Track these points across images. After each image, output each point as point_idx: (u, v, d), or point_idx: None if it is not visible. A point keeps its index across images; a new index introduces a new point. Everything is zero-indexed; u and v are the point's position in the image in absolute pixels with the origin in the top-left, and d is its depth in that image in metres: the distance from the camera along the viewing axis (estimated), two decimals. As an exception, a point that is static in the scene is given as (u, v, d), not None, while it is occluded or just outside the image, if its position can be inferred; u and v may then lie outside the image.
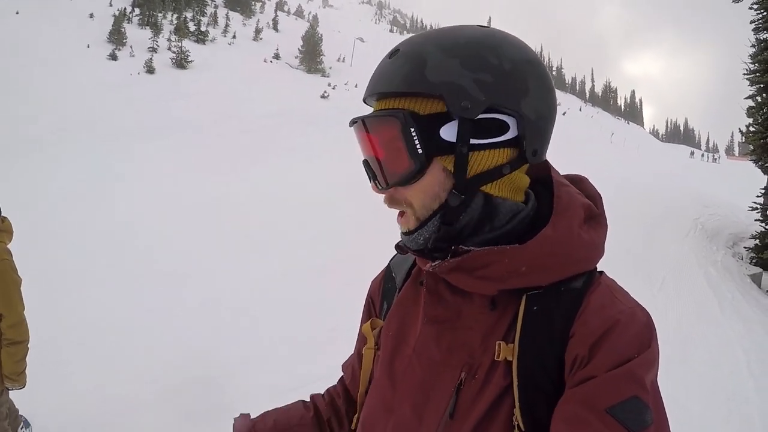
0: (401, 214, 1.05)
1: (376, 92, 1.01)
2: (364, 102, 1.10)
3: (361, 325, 1.35)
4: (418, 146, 0.95)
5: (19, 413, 4.07)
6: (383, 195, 1.06)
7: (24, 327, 3.51)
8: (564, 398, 0.90)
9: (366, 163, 1.06)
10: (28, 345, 3.56)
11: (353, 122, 1.05)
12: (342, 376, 1.46)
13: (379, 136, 1.00)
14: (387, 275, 1.32)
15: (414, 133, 0.95)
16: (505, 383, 0.95)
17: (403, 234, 1.05)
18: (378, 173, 1.03)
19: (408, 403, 1.06)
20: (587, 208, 1.05)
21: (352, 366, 1.38)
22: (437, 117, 0.95)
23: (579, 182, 1.14)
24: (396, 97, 0.98)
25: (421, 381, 1.05)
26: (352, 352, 1.43)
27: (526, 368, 0.93)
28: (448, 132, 0.95)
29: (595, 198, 1.10)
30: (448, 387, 1.01)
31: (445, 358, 1.03)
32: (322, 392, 1.47)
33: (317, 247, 9.65)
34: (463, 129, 0.95)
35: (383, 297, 1.30)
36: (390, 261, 1.35)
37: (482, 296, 1.02)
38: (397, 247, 1.12)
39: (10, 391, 3.68)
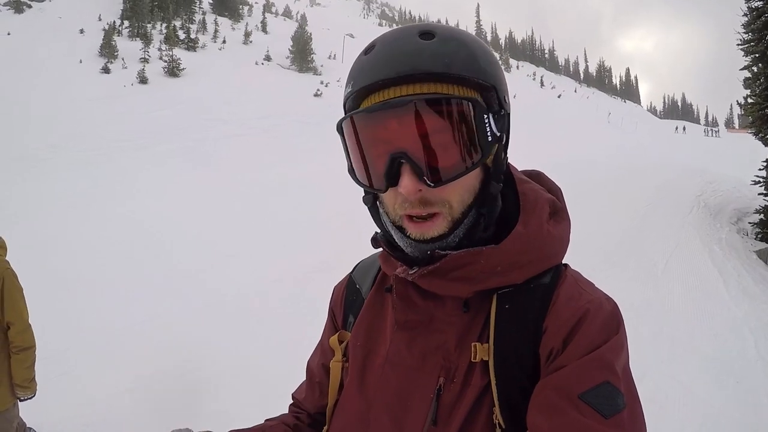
0: (426, 219, 0.96)
1: (422, 71, 0.91)
2: (366, 87, 0.96)
3: (322, 336, 1.34)
4: (489, 134, 0.94)
5: (27, 426, 4.14)
6: (408, 198, 0.94)
7: (30, 333, 3.65)
8: (538, 387, 0.91)
9: (402, 156, 0.91)
10: (35, 352, 3.69)
11: (398, 104, 0.90)
12: (294, 403, 1.41)
13: (443, 122, 0.90)
14: (350, 287, 1.30)
15: (487, 120, 0.94)
16: (483, 383, 0.96)
17: (426, 242, 0.97)
18: (428, 166, 0.91)
19: (385, 414, 1.03)
20: (551, 203, 1.08)
21: (317, 384, 1.31)
22: (485, 108, 0.95)
23: (537, 177, 1.17)
24: (441, 82, 0.93)
25: (397, 389, 1.03)
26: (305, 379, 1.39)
27: (503, 366, 0.94)
28: (494, 123, 0.96)
29: (556, 192, 1.14)
30: (426, 393, 0.99)
31: (420, 363, 1.02)
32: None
33: (319, 246, 9.65)
34: (504, 121, 0.99)
35: (346, 309, 1.26)
36: (352, 271, 1.33)
37: (454, 299, 1.02)
38: (374, 240, 1.10)
39: (20, 403, 3.79)
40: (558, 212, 1.09)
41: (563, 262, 1.08)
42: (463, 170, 0.92)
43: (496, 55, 1.04)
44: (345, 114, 1.02)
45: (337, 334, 1.23)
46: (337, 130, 1.01)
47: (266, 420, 1.36)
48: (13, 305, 3.55)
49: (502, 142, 1.00)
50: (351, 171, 1.03)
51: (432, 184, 0.91)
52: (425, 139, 0.90)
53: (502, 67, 1.03)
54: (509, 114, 1.03)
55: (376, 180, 0.97)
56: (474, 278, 0.97)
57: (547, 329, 0.94)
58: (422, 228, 0.96)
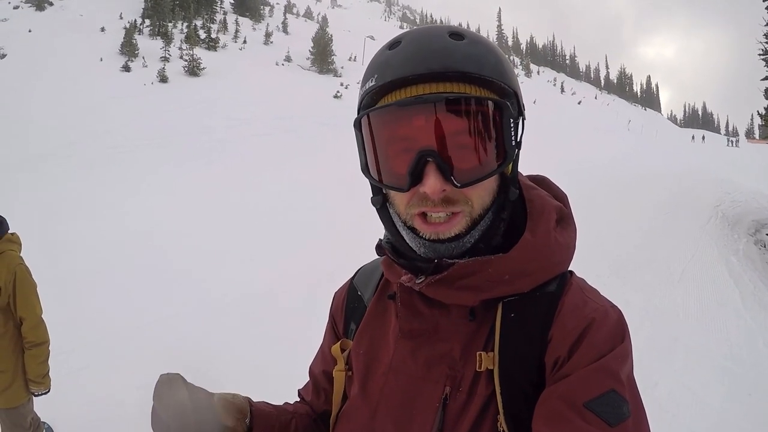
0: (444, 218, 0.95)
1: (454, 70, 0.91)
2: (393, 82, 0.93)
3: (323, 342, 1.33)
4: (513, 138, 0.95)
5: (41, 421, 4.13)
6: (431, 197, 0.92)
7: (43, 328, 3.65)
8: (543, 396, 0.91)
9: (430, 154, 0.89)
10: (49, 347, 3.70)
11: (433, 100, 0.89)
12: (301, 399, 1.40)
13: (474, 123, 0.91)
14: (351, 294, 1.28)
15: (512, 124, 0.94)
16: (488, 392, 0.95)
17: (442, 242, 0.96)
18: (456, 166, 0.90)
19: (390, 422, 1.03)
20: (558, 210, 1.07)
21: (322, 390, 1.31)
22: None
23: (542, 182, 1.15)
24: (472, 84, 0.93)
25: (402, 398, 1.02)
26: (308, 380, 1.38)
27: (508, 375, 0.93)
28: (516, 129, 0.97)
29: (562, 198, 1.12)
30: (432, 402, 0.99)
31: (425, 372, 1.01)
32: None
33: (330, 250, 9.63)
34: (522, 127, 1.00)
35: (348, 317, 1.24)
36: (353, 278, 1.31)
37: (460, 307, 1.00)
38: (378, 248, 1.09)
39: (35, 398, 3.81)
40: (564, 219, 1.08)
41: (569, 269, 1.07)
42: (490, 172, 0.92)
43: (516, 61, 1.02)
44: (359, 111, 1.01)
45: (339, 342, 1.22)
46: (355, 125, 1.00)
47: (285, 403, 1.36)
48: (26, 300, 3.56)
49: (520, 148, 0.99)
50: (365, 169, 1.01)
51: (458, 185, 0.90)
52: (455, 137, 0.90)
53: (522, 73, 1.03)
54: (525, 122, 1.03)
55: (396, 178, 0.95)
56: (481, 287, 0.96)
57: (553, 338, 0.94)
58: (438, 228, 0.95)
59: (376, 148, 0.97)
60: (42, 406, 4.04)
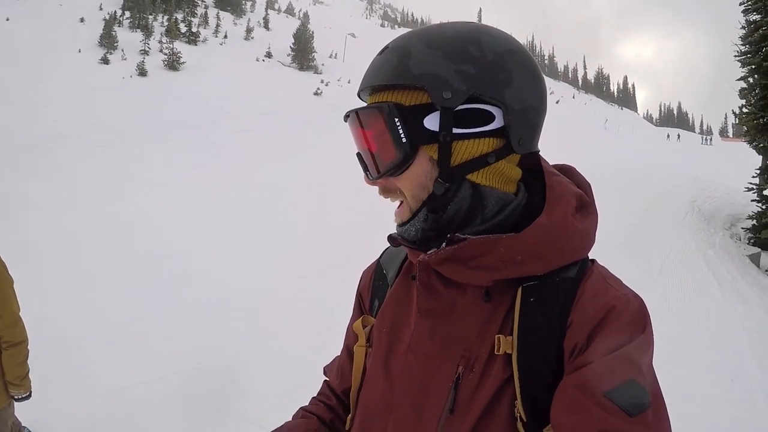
0: (399, 206, 1.08)
1: (368, 86, 1.04)
2: (359, 97, 1.12)
3: (351, 322, 1.34)
4: (402, 136, 0.97)
5: (22, 425, 3.95)
6: (377, 187, 1.09)
7: (21, 327, 3.42)
8: (562, 384, 0.90)
9: (359, 155, 1.08)
10: (28, 347, 3.46)
11: (347, 116, 1.08)
12: (326, 381, 1.45)
13: (369, 128, 1.02)
14: (377, 272, 1.31)
15: (398, 123, 0.97)
16: (506, 375, 0.96)
17: (398, 226, 1.07)
18: (370, 164, 1.05)
19: (407, 400, 1.05)
20: (579, 197, 1.06)
21: (340, 366, 1.37)
22: (421, 108, 0.97)
23: (568, 172, 1.15)
24: (383, 90, 1.02)
25: (419, 377, 1.04)
26: (338, 354, 1.42)
27: (527, 360, 0.94)
28: (432, 122, 0.97)
29: (585, 187, 1.11)
30: (446, 382, 1.00)
31: (440, 351, 1.03)
32: (309, 402, 1.42)
33: (330, 244, 9.71)
34: (446, 118, 0.96)
35: (373, 294, 1.28)
36: (380, 257, 1.34)
37: (476, 288, 1.02)
38: (390, 238, 1.12)
39: (15, 403, 3.57)
40: (585, 206, 1.07)
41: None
42: (384, 170, 1.02)
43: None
44: None
45: (361, 318, 1.25)
46: None
47: (300, 408, 1.39)
48: (1, 297, 3.31)
49: (447, 139, 0.97)
50: None
51: (371, 179, 1.07)
52: (363, 142, 1.05)
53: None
54: (505, 107, 0.98)
55: None
56: (494, 266, 0.97)
57: (572, 324, 0.94)
58: (397, 212, 1.09)
59: None
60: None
